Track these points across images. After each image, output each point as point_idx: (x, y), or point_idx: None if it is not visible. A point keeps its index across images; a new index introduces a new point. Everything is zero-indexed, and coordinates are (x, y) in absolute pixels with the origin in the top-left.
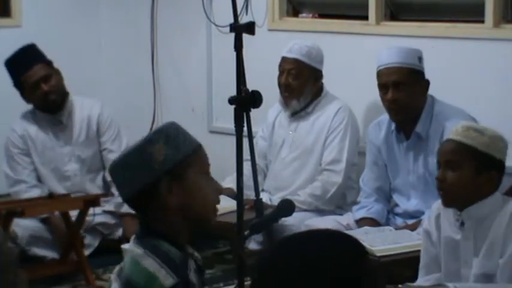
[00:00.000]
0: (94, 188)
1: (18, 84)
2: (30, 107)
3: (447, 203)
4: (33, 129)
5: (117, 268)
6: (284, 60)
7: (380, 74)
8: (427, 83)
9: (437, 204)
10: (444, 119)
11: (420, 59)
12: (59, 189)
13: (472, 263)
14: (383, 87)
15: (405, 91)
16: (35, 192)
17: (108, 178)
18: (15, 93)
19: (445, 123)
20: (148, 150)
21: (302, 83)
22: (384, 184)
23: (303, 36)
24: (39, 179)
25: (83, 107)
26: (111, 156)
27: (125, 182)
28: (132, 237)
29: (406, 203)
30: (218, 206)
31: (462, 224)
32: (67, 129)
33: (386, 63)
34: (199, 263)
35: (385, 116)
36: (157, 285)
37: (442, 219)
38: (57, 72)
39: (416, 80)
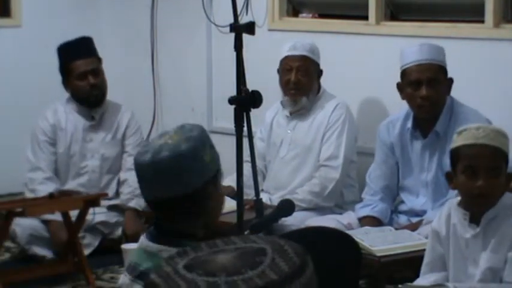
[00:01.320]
0: (110, 187)
1: (65, 70)
2: (62, 97)
3: (486, 208)
4: (64, 120)
5: (126, 269)
6: (289, 58)
7: (410, 71)
8: (451, 81)
9: (449, 203)
10: (463, 120)
11: (445, 56)
12: (73, 185)
13: (480, 260)
14: (414, 83)
15: (436, 88)
16: (48, 187)
17: (122, 178)
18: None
19: (464, 124)
20: (200, 154)
21: (310, 80)
22: (392, 183)
23: (302, 36)
24: (56, 172)
25: (115, 110)
26: (130, 160)
27: (175, 183)
28: (144, 236)
29: (413, 201)
30: None
31: (470, 221)
32: (97, 126)
33: (418, 59)
34: None
35: (397, 115)
36: None
37: (452, 218)
38: (103, 72)
39: (445, 78)
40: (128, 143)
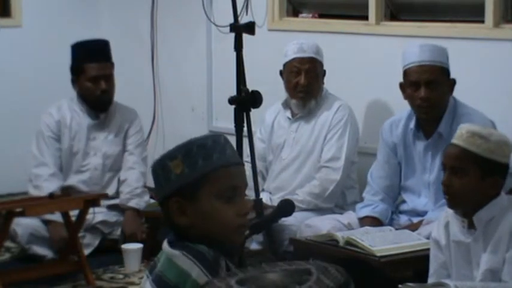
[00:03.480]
0: (111, 185)
1: (77, 69)
2: (63, 96)
3: (453, 207)
4: (69, 117)
5: (150, 264)
6: (298, 60)
7: (411, 72)
8: (454, 82)
9: (446, 212)
10: (467, 121)
11: (448, 57)
12: (74, 181)
13: (480, 262)
14: (414, 84)
15: (437, 90)
16: (52, 184)
17: (122, 177)
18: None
19: None
20: (168, 164)
21: (318, 82)
22: (394, 183)
23: (303, 36)
24: (59, 168)
25: (120, 109)
26: (131, 158)
27: (156, 186)
28: (165, 241)
29: (415, 201)
30: (244, 227)
31: (469, 227)
32: (101, 124)
33: (419, 60)
34: (230, 265)
35: (400, 115)
36: (191, 282)
37: (450, 225)
38: (114, 77)
39: (446, 79)
40: (130, 142)
